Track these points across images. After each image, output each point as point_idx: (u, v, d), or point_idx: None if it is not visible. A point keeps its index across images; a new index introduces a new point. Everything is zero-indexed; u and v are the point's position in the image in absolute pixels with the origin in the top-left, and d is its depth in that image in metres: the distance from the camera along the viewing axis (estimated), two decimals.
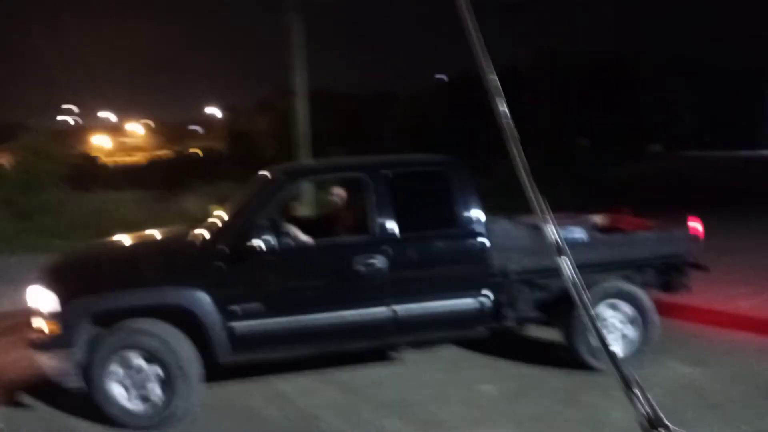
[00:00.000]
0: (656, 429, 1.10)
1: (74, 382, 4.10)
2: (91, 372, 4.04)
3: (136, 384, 4.09)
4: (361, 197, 4.59)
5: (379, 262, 4.35)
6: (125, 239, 5.38)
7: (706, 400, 4.22)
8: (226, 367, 4.44)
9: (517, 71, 23.74)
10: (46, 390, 4.46)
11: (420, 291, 4.48)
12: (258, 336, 4.24)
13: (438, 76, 35.66)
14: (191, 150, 42.71)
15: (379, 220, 4.43)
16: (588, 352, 4.65)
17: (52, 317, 4.07)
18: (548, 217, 1.24)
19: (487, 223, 4.59)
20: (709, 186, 16.30)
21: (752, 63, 34.29)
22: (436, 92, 30.89)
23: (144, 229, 5.73)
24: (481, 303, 4.54)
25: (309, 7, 11.43)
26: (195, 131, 58.59)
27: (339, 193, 5.39)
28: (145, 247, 5.03)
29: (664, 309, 5.76)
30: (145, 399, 4.10)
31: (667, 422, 1.10)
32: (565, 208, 5.74)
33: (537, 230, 4.82)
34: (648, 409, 1.11)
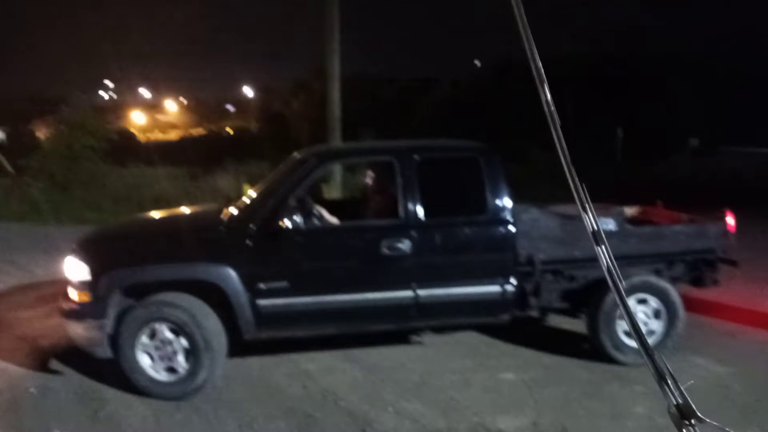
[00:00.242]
0: (688, 420, 1.09)
1: (104, 351, 4.22)
2: (120, 342, 4.16)
3: (163, 355, 4.21)
4: (390, 181, 4.60)
5: (405, 246, 4.36)
6: (158, 215, 5.50)
7: (734, 401, 4.14)
8: (252, 344, 4.53)
9: (561, 60, 23.31)
10: (78, 358, 4.61)
11: (445, 276, 4.48)
12: (282, 314, 4.31)
13: (475, 61, 35.22)
14: (227, 129, 43.17)
15: (407, 204, 4.43)
16: (612, 345, 4.61)
17: (84, 288, 4.20)
18: (588, 206, 1.23)
19: (515, 211, 4.55)
20: (751, 183, 15.86)
21: None
22: (475, 78, 30.51)
23: (178, 205, 5.84)
24: (505, 290, 4.52)
25: None
26: (229, 111, 59.15)
27: (372, 176, 5.42)
28: (177, 223, 5.12)
29: (699, 307, 5.68)
30: (171, 370, 4.22)
31: (699, 414, 1.09)
32: (603, 200, 5.67)
33: (566, 220, 4.79)
34: (680, 400, 1.10)
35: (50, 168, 13.96)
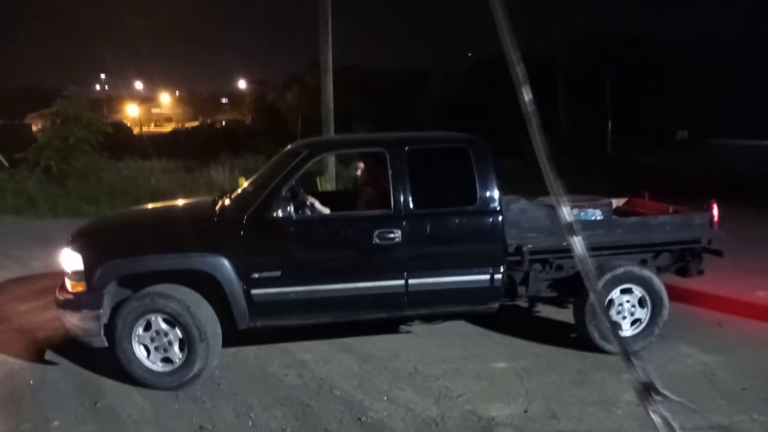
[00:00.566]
0: (650, 394, 1.15)
1: (100, 342, 4.27)
2: (116, 334, 4.21)
3: (159, 346, 4.26)
4: (382, 172, 4.65)
5: (396, 235, 4.42)
6: (153, 207, 5.54)
7: (720, 389, 4.22)
8: (249, 334, 4.59)
9: (553, 54, 23.31)
10: (75, 350, 4.66)
11: (435, 265, 4.55)
12: (276, 303, 4.37)
13: (470, 54, 35.19)
14: (223, 122, 43.11)
15: (398, 194, 4.49)
16: (599, 335, 4.69)
17: (80, 278, 4.24)
18: (563, 199, 1.30)
19: (504, 202, 4.62)
20: (738, 176, 16.00)
21: None
22: (469, 71, 30.44)
23: (174, 198, 5.89)
24: (494, 279, 4.59)
25: None
26: (224, 104, 59.03)
27: (362, 167, 5.48)
28: (171, 214, 5.17)
29: (687, 297, 5.76)
30: (167, 360, 4.28)
31: (662, 390, 1.15)
32: (593, 193, 5.75)
33: (554, 210, 4.86)
34: (645, 377, 1.17)
35: (46, 161, 13.95)
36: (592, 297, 4.63)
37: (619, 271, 4.71)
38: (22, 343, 5.12)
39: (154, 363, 4.28)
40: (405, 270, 4.46)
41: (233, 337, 4.58)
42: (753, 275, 6.71)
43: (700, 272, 5.12)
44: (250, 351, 4.92)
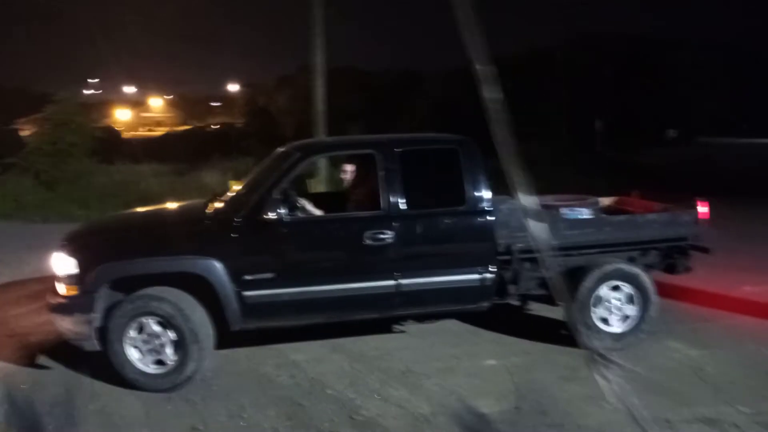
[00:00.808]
0: (595, 360, 1.21)
1: (92, 345, 4.28)
2: (108, 337, 4.22)
3: (151, 349, 4.28)
4: (373, 174, 4.69)
5: (387, 236, 4.46)
6: (145, 210, 5.55)
7: (707, 382, 4.29)
8: (241, 335, 4.61)
9: (543, 53, 23.41)
10: (67, 353, 4.65)
11: (426, 266, 4.59)
12: (268, 305, 4.39)
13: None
14: (214, 125, 43.02)
15: (389, 196, 4.53)
16: (587, 332, 4.73)
17: (72, 282, 4.25)
18: (526, 190, 1.36)
19: (494, 202, 4.67)
20: (733, 172, 16.14)
21: None
22: (463, 72, 30.45)
23: (165, 201, 5.90)
24: (485, 279, 4.64)
25: None
26: (216, 107, 58.91)
27: (348, 169, 5.54)
28: (163, 217, 5.18)
29: (674, 292, 5.83)
30: (160, 362, 4.29)
31: (603, 353, 1.21)
32: (585, 191, 5.81)
33: (545, 211, 4.91)
34: (590, 345, 1.24)
35: (36, 165, 13.89)
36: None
37: (607, 268, 4.77)
38: (14, 348, 5.10)
39: (146, 365, 4.29)
40: (396, 270, 4.50)
41: (225, 338, 4.60)
42: (743, 271, 6.80)
43: (688, 269, 5.19)
44: (242, 352, 4.94)
